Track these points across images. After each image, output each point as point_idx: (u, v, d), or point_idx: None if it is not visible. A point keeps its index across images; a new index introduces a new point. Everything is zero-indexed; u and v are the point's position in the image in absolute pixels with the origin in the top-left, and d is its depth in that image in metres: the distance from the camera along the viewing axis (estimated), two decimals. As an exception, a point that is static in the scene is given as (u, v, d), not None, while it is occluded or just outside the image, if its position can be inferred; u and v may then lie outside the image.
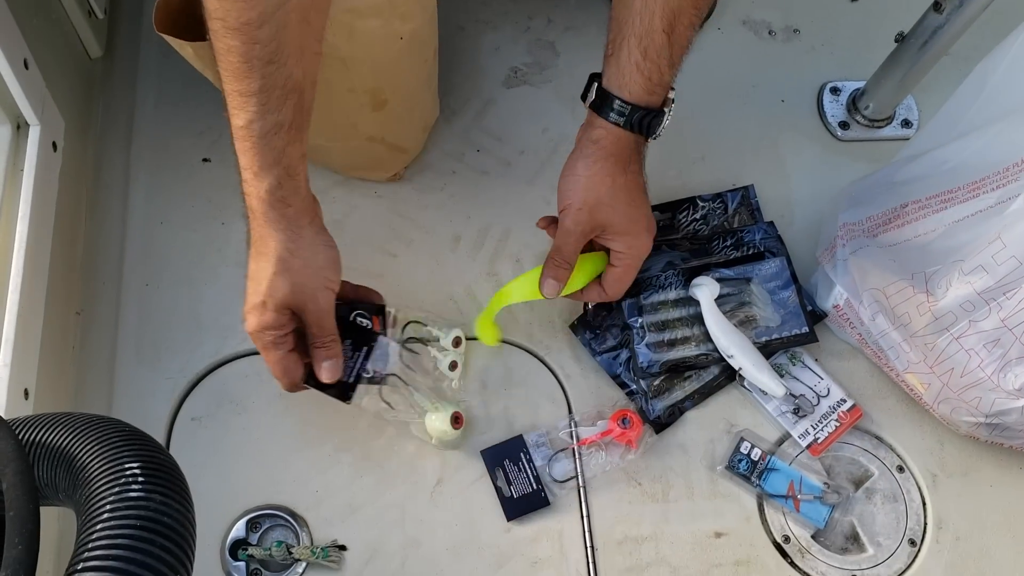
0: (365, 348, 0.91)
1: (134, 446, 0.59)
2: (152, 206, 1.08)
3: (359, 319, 0.93)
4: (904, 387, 1.00)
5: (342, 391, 0.89)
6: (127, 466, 0.56)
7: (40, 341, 0.90)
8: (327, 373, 0.85)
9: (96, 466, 0.56)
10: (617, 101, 0.84)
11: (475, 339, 1.00)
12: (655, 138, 0.89)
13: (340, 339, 0.87)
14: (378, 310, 0.94)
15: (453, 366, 0.99)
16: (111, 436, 0.59)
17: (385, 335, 0.93)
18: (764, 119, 1.21)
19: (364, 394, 0.92)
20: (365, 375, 0.90)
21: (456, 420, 0.93)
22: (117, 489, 0.54)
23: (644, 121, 0.86)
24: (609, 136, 0.86)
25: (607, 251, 0.96)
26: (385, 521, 0.94)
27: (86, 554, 0.50)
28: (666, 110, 0.87)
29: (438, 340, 0.99)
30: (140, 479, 0.55)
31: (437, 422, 0.93)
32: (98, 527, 0.52)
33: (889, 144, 1.20)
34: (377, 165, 1.09)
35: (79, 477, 0.57)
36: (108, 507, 0.53)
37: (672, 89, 0.87)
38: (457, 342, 1.00)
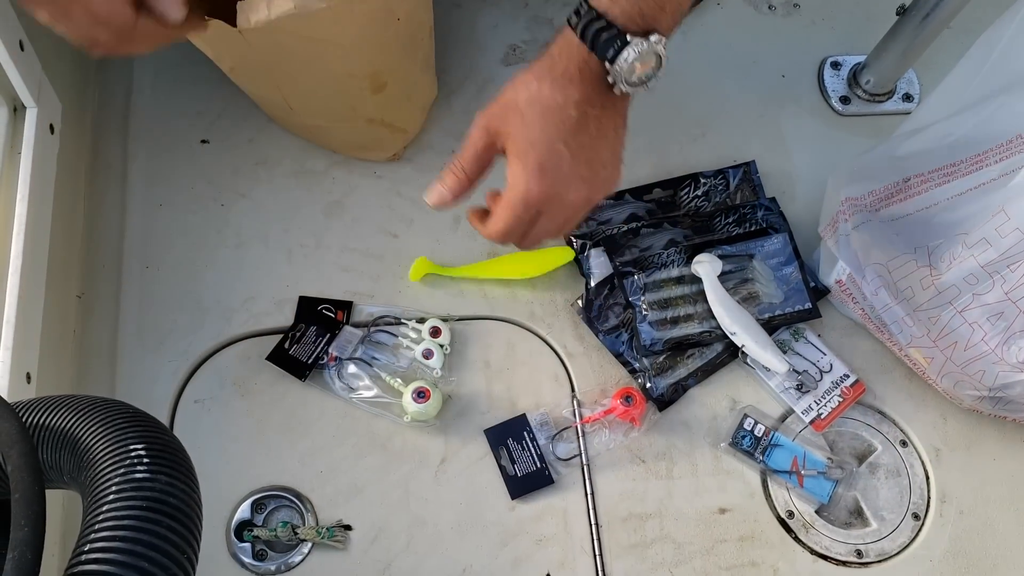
0: (329, 335, 0.99)
1: (138, 427, 0.58)
2: (151, 188, 1.08)
3: (324, 311, 1.00)
4: (907, 362, 1.00)
5: (299, 370, 0.97)
6: (132, 447, 0.56)
7: (41, 324, 0.89)
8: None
9: (101, 448, 0.56)
10: (584, 4, 0.68)
11: (455, 319, 1.01)
12: (629, 89, 0.71)
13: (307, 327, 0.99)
14: (343, 304, 1.02)
15: (428, 354, 0.99)
16: (115, 418, 0.59)
17: (348, 325, 1.01)
18: (765, 95, 1.21)
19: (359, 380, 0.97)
20: (325, 358, 0.98)
21: (420, 395, 0.93)
22: (123, 470, 0.54)
23: (599, 34, 0.66)
24: (560, 41, 0.70)
25: (570, 244, 1.00)
26: (390, 501, 0.94)
27: (92, 535, 0.50)
28: (637, 48, 0.66)
29: (409, 330, 1.01)
30: (145, 460, 0.55)
31: (404, 399, 0.94)
32: (104, 508, 0.52)
33: (890, 118, 1.20)
34: (376, 145, 1.09)
35: (84, 459, 0.57)
36: (114, 488, 0.53)
37: (661, 39, 0.68)
38: (435, 332, 1.00)
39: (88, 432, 0.58)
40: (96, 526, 0.50)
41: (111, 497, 0.52)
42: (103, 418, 0.59)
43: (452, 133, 1.14)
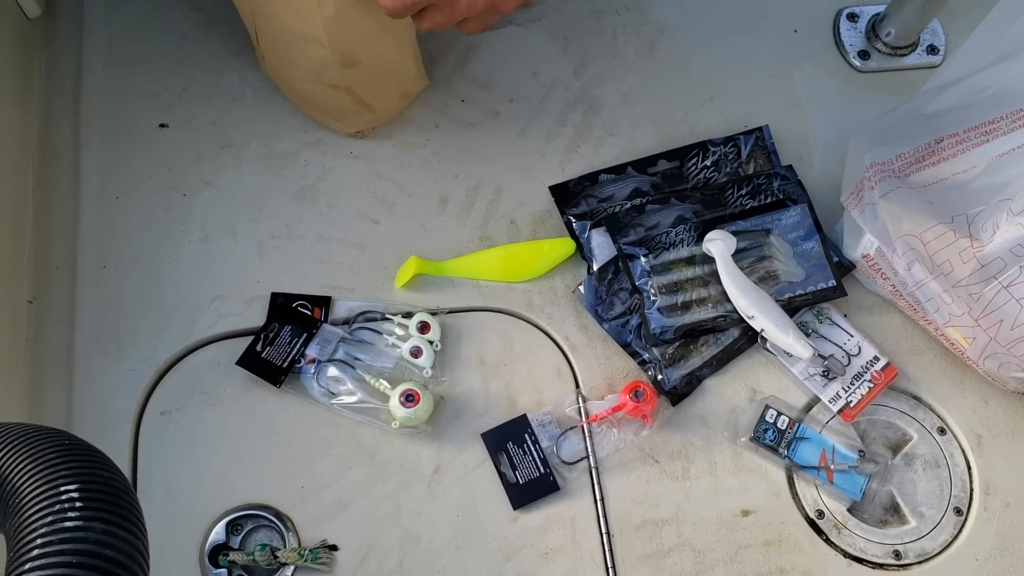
0: (305, 335, 0.90)
1: (73, 463, 0.51)
2: (106, 179, 0.98)
3: (300, 308, 0.92)
4: (944, 342, 0.92)
5: (273, 375, 0.89)
6: (63, 488, 0.48)
7: (-18, 336, 0.80)
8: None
9: (28, 489, 0.49)
10: None
11: (444, 312, 0.91)
12: None
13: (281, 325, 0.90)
14: (321, 300, 0.93)
15: (417, 352, 0.89)
16: (47, 452, 0.51)
17: (327, 323, 0.92)
18: (776, 52, 1.11)
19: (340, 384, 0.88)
20: (302, 360, 0.89)
21: (409, 398, 0.84)
22: (50, 518, 0.46)
23: None
24: None
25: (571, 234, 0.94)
26: (379, 516, 0.85)
27: None
28: None
29: (394, 326, 0.92)
30: (78, 504, 0.47)
31: (392, 403, 0.86)
32: (27, 565, 0.44)
33: (914, 73, 1.10)
34: (338, 115, 0.99)
35: (10, 503, 0.49)
36: (39, 540, 0.45)
37: None
38: (424, 327, 0.91)
39: (15, 469, 0.50)
40: (17, 587, 0.42)
41: (35, 552, 0.45)
42: (33, 452, 0.51)
43: (434, 106, 1.04)
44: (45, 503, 0.47)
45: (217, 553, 0.83)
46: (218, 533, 0.84)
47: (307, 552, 0.82)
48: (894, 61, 1.11)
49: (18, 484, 0.49)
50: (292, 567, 0.83)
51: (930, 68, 1.10)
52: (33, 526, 0.46)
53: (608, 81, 1.07)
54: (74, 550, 0.44)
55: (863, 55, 1.10)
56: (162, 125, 1.01)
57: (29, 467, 0.50)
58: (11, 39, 0.98)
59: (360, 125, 1.00)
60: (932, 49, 1.11)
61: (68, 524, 0.46)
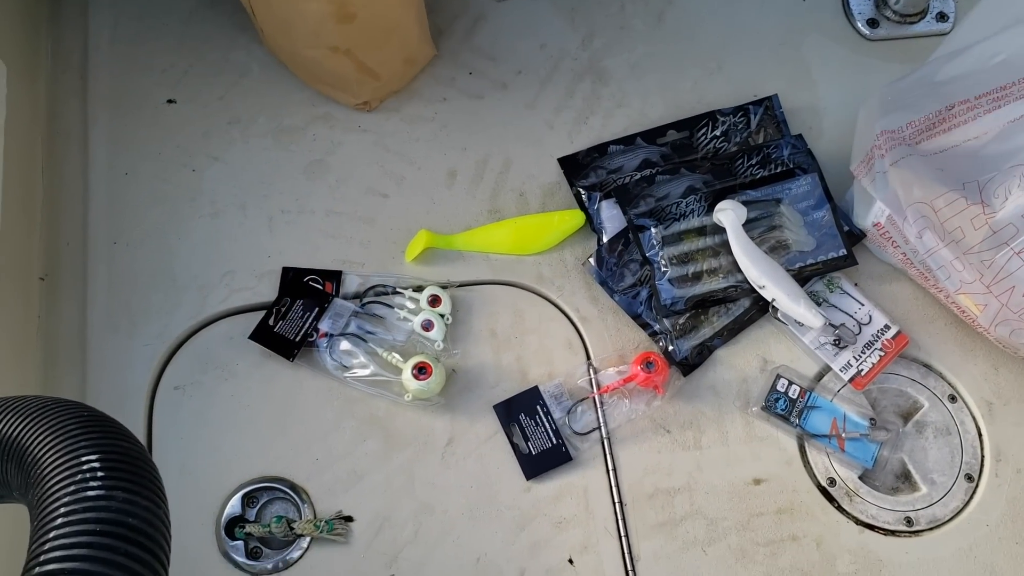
0: (317, 309, 0.90)
1: (93, 434, 0.51)
2: (115, 155, 0.98)
3: (311, 282, 0.92)
4: (955, 309, 0.91)
5: (287, 349, 0.89)
6: (84, 459, 0.48)
7: (-3, 312, 0.81)
8: None
9: (50, 460, 0.49)
10: None
11: (455, 286, 0.91)
12: None
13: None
14: (332, 275, 0.93)
15: (428, 325, 0.90)
16: (67, 423, 0.51)
17: (338, 297, 0.92)
18: (784, 20, 1.10)
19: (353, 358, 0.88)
20: (315, 334, 0.89)
21: (421, 371, 0.85)
22: (73, 488, 0.47)
23: None
24: None
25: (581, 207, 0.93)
26: (393, 488, 0.86)
27: (38, 568, 0.42)
28: None
29: (405, 300, 0.92)
30: (99, 474, 0.48)
31: (404, 376, 0.86)
32: (51, 534, 0.44)
33: (924, 41, 1.10)
34: (343, 85, 0.98)
35: (31, 473, 0.49)
36: (63, 509, 0.45)
37: None
38: (435, 300, 0.91)
39: (36, 441, 0.50)
40: (42, 556, 0.43)
41: (59, 520, 0.45)
42: (53, 424, 0.51)
43: (442, 79, 1.04)
44: (67, 473, 0.47)
45: (233, 525, 0.83)
46: (234, 506, 0.84)
47: (323, 523, 0.83)
48: (903, 29, 1.10)
49: (39, 455, 0.49)
50: (308, 538, 0.83)
51: (940, 36, 1.09)
52: (56, 495, 0.46)
53: (616, 52, 1.07)
54: (97, 518, 0.45)
55: (872, 23, 1.09)
56: (170, 101, 1.01)
57: (49, 438, 0.50)
58: (18, 16, 0.97)
59: (366, 95, 0.99)
60: (942, 16, 1.10)
61: (91, 493, 0.46)
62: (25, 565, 0.43)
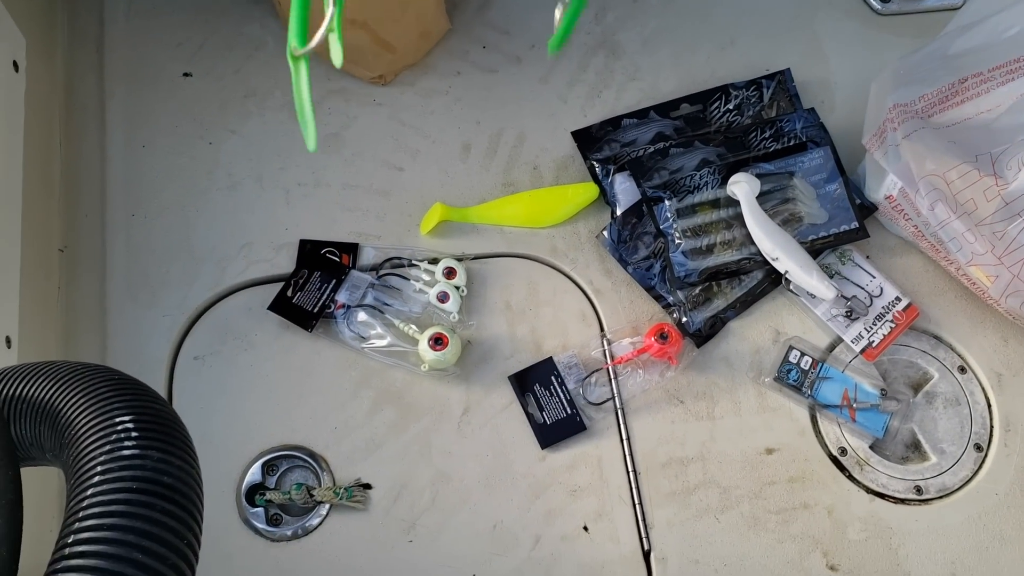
0: (334, 281, 0.91)
1: (125, 396, 0.52)
2: (132, 128, 0.99)
3: (328, 255, 0.93)
4: (965, 281, 0.92)
5: (305, 320, 0.90)
6: (118, 420, 0.49)
7: (19, 282, 0.81)
8: None
9: (83, 421, 0.50)
10: None
11: (470, 258, 0.92)
12: None
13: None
14: (348, 247, 0.94)
15: (443, 297, 0.90)
16: (99, 386, 0.52)
17: (355, 269, 0.93)
18: (797, -5, 1.10)
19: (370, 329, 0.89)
20: (332, 306, 0.90)
21: (438, 342, 0.86)
22: (108, 447, 0.48)
23: None
24: None
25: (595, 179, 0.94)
26: (411, 456, 0.87)
27: (76, 524, 0.44)
28: None
29: (421, 272, 0.93)
30: (134, 434, 0.49)
31: (420, 347, 0.87)
32: (88, 492, 0.45)
33: (936, 15, 1.10)
34: (359, 58, 0.99)
35: (65, 435, 0.50)
36: (99, 468, 0.46)
37: None
38: (450, 272, 0.92)
39: (69, 403, 0.51)
40: (80, 513, 0.44)
41: (96, 479, 0.46)
42: (85, 387, 0.52)
43: (456, 53, 1.04)
44: (101, 434, 0.48)
45: (254, 493, 0.85)
46: (254, 474, 0.86)
47: (342, 490, 0.84)
48: (915, 3, 1.10)
49: (72, 417, 0.50)
50: (327, 505, 0.85)
51: (951, 10, 1.09)
52: (92, 456, 0.47)
53: (629, 26, 1.07)
54: (133, 476, 0.46)
55: (884, -3, 1.10)
56: (186, 74, 1.01)
57: (82, 401, 0.51)
58: (34, -11, 0.98)
59: (381, 68, 1.00)
60: (954, -10, 1.10)
61: (126, 452, 0.47)
62: (64, 522, 0.44)
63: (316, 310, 0.90)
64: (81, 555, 0.42)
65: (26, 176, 0.86)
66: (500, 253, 0.96)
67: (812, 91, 1.04)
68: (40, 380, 0.52)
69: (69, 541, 0.42)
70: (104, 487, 0.45)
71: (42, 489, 0.81)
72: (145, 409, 0.51)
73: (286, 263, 0.93)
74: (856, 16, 1.10)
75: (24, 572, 0.43)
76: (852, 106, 1.02)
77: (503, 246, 0.96)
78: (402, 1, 0.94)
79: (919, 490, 0.88)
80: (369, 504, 0.85)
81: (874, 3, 1.10)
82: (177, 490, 0.47)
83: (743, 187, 0.93)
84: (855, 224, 0.94)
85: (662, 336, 0.89)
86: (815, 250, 0.93)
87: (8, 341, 0.78)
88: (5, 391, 0.52)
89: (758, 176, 0.94)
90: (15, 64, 0.87)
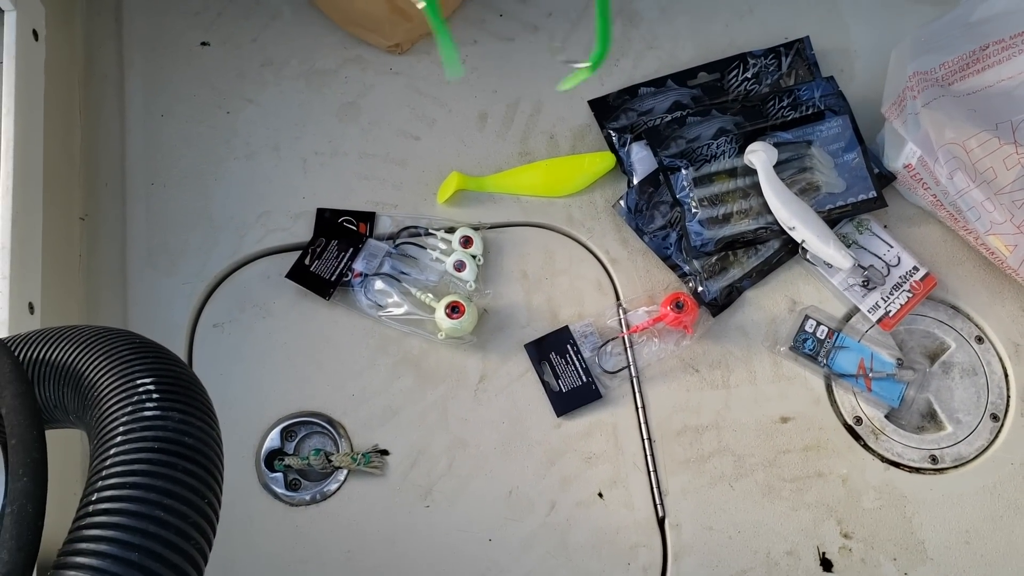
0: (351, 249, 0.91)
1: (146, 359, 0.53)
2: (151, 97, 0.99)
3: (345, 223, 0.93)
4: (984, 251, 0.92)
5: (322, 288, 0.90)
6: (139, 382, 0.50)
7: (41, 249, 0.82)
8: None
9: (105, 383, 0.51)
10: None
11: (486, 227, 0.92)
12: None
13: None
14: (365, 216, 0.94)
15: (460, 266, 0.91)
16: (120, 349, 0.53)
17: (372, 238, 0.93)
18: (817, -38, 1.09)
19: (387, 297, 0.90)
20: (350, 274, 0.91)
21: (454, 310, 0.86)
22: (130, 408, 0.49)
23: None
24: None
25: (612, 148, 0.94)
26: (427, 423, 0.88)
27: (100, 483, 0.45)
28: None
29: (438, 241, 0.94)
30: (155, 395, 0.49)
31: (437, 315, 0.88)
32: (111, 452, 0.46)
33: (958, -18, 1.08)
34: (375, 26, 0.99)
35: (88, 396, 0.51)
36: (121, 428, 0.47)
37: None
38: (466, 242, 0.92)
39: (91, 366, 0.52)
40: (104, 472, 0.45)
41: (119, 439, 0.47)
42: (107, 350, 0.53)
43: (472, 21, 1.04)
44: (123, 395, 0.49)
45: (273, 458, 0.86)
46: (273, 439, 0.87)
47: (360, 456, 0.85)
48: (937, -30, 1.08)
49: (95, 379, 0.51)
50: (345, 471, 0.86)
51: (974, -23, 1.08)
52: (114, 416, 0.48)
53: (647, -6, 1.06)
54: (155, 436, 0.46)
55: (906, -36, 1.08)
56: (203, 43, 1.02)
57: (104, 363, 0.51)
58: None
59: (398, 36, 1.00)
60: (977, -43, 1.09)
61: (147, 413, 0.47)
62: (88, 480, 0.45)
63: (333, 278, 0.90)
64: (105, 512, 0.43)
65: (47, 145, 0.86)
66: (516, 222, 0.96)
67: (831, 59, 1.03)
68: (63, 344, 0.53)
69: (93, 499, 0.43)
70: (126, 447, 0.46)
71: (64, 454, 0.82)
72: (166, 371, 0.52)
73: (304, 232, 0.94)
74: (877, -17, 1.08)
75: (48, 530, 0.44)
76: (871, 74, 1.01)
77: (519, 215, 0.96)
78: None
79: (934, 459, 0.88)
80: (386, 470, 0.86)
81: (895, -30, 1.08)
82: (198, 450, 0.48)
83: (760, 156, 0.92)
84: (873, 193, 0.94)
85: (678, 305, 0.89)
86: (832, 219, 0.93)
87: (31, 307, 0.79)
88: (30, 354, 0.53)
89: (775, 145, 0.93)
90: (35, 33, 0.87)
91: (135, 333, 0.55)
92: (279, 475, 0.86)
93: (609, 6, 0.65)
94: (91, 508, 0.43)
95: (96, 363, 0.52)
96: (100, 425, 0.48)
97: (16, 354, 0.52)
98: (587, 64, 0.67)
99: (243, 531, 0.84)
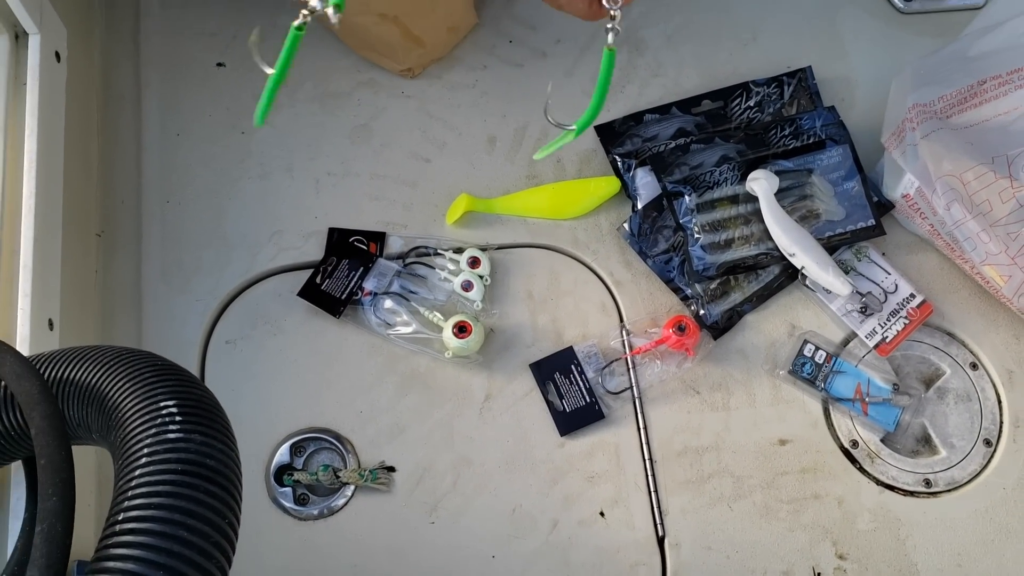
0: (361, 268, 0.94)
1: (168, 381, 0.55)
2: (167, 117, 1.02)
3: (356, 243, 0.95)
4: (979, 280, 0.94)
5: (333, 306, 0.92)
6: (162, 404, 0.52)
7: (61, 267, 0.84)
8: None
9: (129, 405, 0.53)
10: None
11: (494, 248, 0.95)
12: None
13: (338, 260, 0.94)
14: (376, 236, 0.96)
15: (468, 286, 0.93)
16: (143, 371, 0.55)
17: (382, 258, 0.95)
18: (819, -7, 1.11)
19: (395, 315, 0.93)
20: (360, 293, 0.93)
21: (462, 330, 0.88)
22: (154, 430, 0.50)
23: None
24: None
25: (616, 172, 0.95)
26: (433, 440, 0.90)
27: (126, 503, 0.46)
28: None
29: (446, 261, 0.96)
30: (178, 418, 0.51)
31: (444, 334, 0.89)
32: (136, 473, 0.48)
33: (957, 15, 1.11)
34: (389, 51, 1.01)
35: (112, 417, 0.53)
36: (146, 450, 0.49)
37: None
38: (474, 262, 0.94)
39: (115, 387, 0.54)
40: (129, 492, 0.47)
41: (143, 460, 0.49)
42: (130, 372, 0.55)
43: (483, 47, 1.06)
44: (147, 417, 0.51)
45: (282, 473, 0.88)
46: (282, 454, 0.89)
47: (367, 472, 0.87)
48: (937, 3, 1.11)
49: (119, 400, 0.53)
50: (353, 487, 0.88)
51: (973, 10, 1.10)
52: (138, 438, 0.49)
53: (653, 22, 1.09)
54: (178, 459, 0.48)
55: (907, -4, 1.11)
56: (219, 64, 1.04)
57: (127, 385, 0.53)
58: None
59: (410, 61, 1.02)
60: (976, -10, 1.11)
61: (171, 436, 0.49)
62: (113, 500, 0.47)
63: (344, 297, 0.93)
64: (131, 531, 0.44)
65: (67, 164, 0.89)
66: (523, 244, 0.98)
67: (833, 89, 1.05)
68: (88, 364, 0.55)
69: (120, 518, 0.45)
70: (151, 467, 0.47)
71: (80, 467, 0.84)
72: (188, 394, 0.53)
73: (315, 251, 0.96)
74: (878, 14, 1.11)
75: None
76: (872, 104, 1.03)
77: (526, 237, 0.99)
78: (431, -4, 0.96)
79: (928, 483, 0.90)
80: (393, 486, 0.88)
81: (896, 1, 1.11)
82: (219, 472, 0.50)
83: (762, 183, 0.94)
84: (872, 221, 0.96)
85: (680, 328, 0.91)
86: (832, 246, 0.95)
87: (51, 324, 0.81)
88: (55, 374, 0.55)
89: (777, 173, 0.96)
90: (56, 55, 0.90)
91: (156, 355, 0.57)
92: (288, 490, 0.88)
93: (611, 74, 0.67)
94: (117, 528, 0.45)
95: (120, 384, 0.54)
96: (124, 446, 0.50)
97: (42, 373, 0.54)
98: (572, 128, 0.70)
99: (252, 544, 0.85)
